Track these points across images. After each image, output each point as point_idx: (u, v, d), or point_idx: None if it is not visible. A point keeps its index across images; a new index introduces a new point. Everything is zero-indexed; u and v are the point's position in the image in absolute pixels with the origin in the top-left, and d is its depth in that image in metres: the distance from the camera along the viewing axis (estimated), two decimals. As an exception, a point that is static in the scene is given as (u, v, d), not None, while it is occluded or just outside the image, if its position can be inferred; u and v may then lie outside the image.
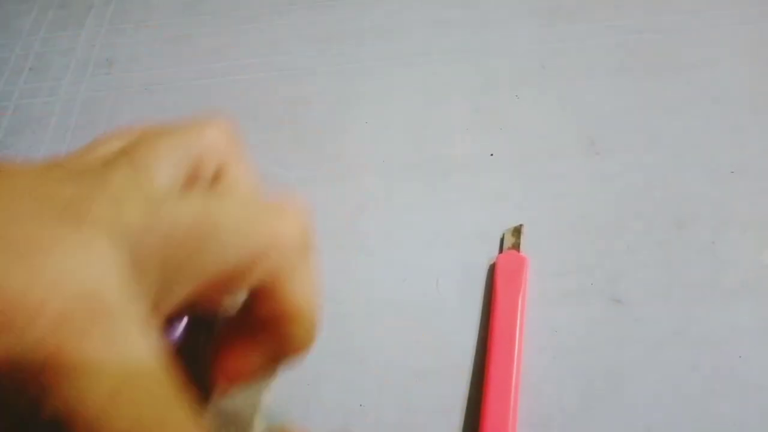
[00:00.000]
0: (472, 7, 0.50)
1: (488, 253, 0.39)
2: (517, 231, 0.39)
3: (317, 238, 0.19)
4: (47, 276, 0.13)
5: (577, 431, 0.33)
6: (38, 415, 0.12)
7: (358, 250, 0.40)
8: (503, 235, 0.39)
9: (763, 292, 0.36)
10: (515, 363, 0.33)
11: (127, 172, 0.16)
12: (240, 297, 0.18)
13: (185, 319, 0.19)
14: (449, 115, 0.45)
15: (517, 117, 0.44)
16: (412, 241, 0.40)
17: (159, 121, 0.19)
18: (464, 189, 0.42)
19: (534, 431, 0.33)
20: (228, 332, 0.19)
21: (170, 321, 0.18)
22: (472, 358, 0.35)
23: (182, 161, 0.18)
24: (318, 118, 0.46)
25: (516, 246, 0.38)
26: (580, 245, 0.38)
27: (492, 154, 0.43)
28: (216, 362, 0.18)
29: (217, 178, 0.19)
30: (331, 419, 0.34)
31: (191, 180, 0.18)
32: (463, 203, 0.41)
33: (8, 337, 0.12)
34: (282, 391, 0.25)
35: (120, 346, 0.13)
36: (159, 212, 0.15)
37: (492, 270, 0.38)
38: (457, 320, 0.37)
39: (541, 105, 0.45)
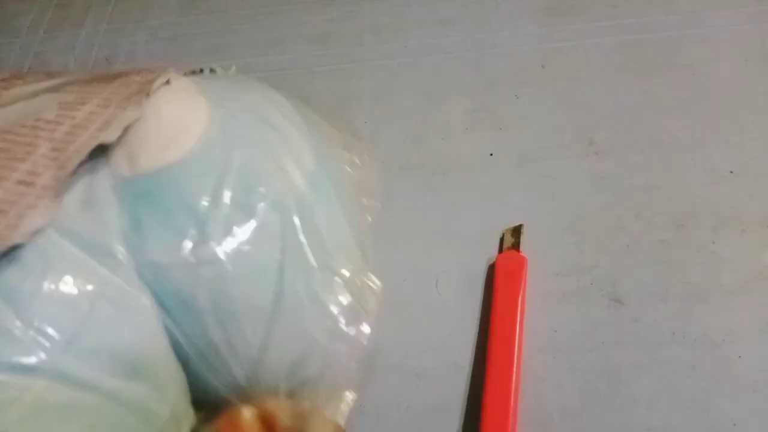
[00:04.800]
0: (472, 6, 0.50)
1: (488, 252, 0.39)
2: (516, 231, 0.39)
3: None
4: None
5: (577, 431, 0.33)
6: None
7: (358, 250, 0.40)
8: (503, 234, 0.39)
9: (763, 292, 0.36)
10: (515, 363, 0.33)
11: None
12: None
13: None
14: (449, 115, 0.45)
15: (517, 117, 0.44)
16: (412, 241, 0.40)
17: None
18: (464, 189, 0.42)
19: (534, 431, 0.33)
20: None
21: None
22: (472, 358, 0.35)
23: None
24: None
25: (516, 246, 0.38)
26: (580, 245, 0.38)
27: (492, 154, 0.43)
28: None
29: None
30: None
31: None
32: (463, 203, 0.41)
33: None
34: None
35: None
36: None
37: (492, 270, 0.38)
38: (457, 320, 0.37)
39: (541, 105, 0.45)
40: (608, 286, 0.37)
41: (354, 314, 0.29)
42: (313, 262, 0.29)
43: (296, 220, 0.28)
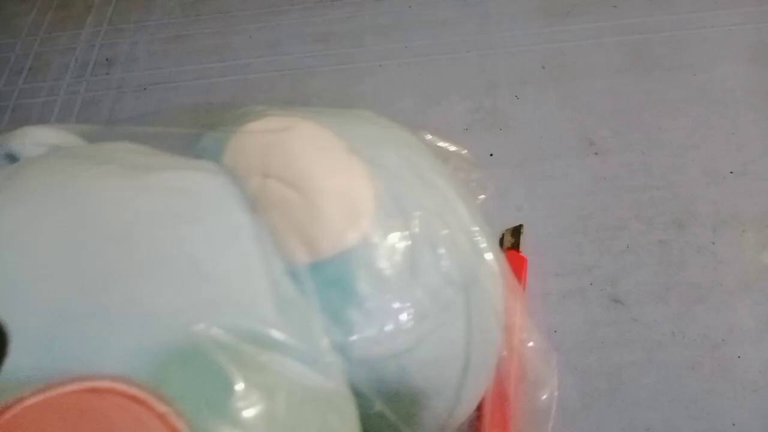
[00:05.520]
0: (473, 6, 0.50)
1: (488, 253, 0.39)
2: (517, 231, 0.39)
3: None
4: None
5: (577, 431, 0.33)
6: None
7: (358, 250, 0.40)
8: (503, 234, 0.39)
9: (763, 292, 0.36)
10: (515, 362, 0.33)
11: None
12: None
13: None
14: (449, 115, 0.45)
15: (517, 117, 0.44)
16: (412, 241, 0.40)
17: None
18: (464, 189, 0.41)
19: (534, 431, 0.33)
20: None
21: None
22: (472, 358, 0.35)
23: None
24: (318, 118, 0.46)
25: (516, 246, 0.38)
26: (580, 245, 0.38)
27: (492, 154, 0.43)
28: None
29: None
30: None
31: None
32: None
33: None
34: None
35: None
36: None
37: (492, 270, 0.38)
38: (457, 320, 0.37)
39: (541, 105, 0.45)
40: (608, 286, 0.37)
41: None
42: (491, 331, 0.29)
43: (474, 291, 0.27)
